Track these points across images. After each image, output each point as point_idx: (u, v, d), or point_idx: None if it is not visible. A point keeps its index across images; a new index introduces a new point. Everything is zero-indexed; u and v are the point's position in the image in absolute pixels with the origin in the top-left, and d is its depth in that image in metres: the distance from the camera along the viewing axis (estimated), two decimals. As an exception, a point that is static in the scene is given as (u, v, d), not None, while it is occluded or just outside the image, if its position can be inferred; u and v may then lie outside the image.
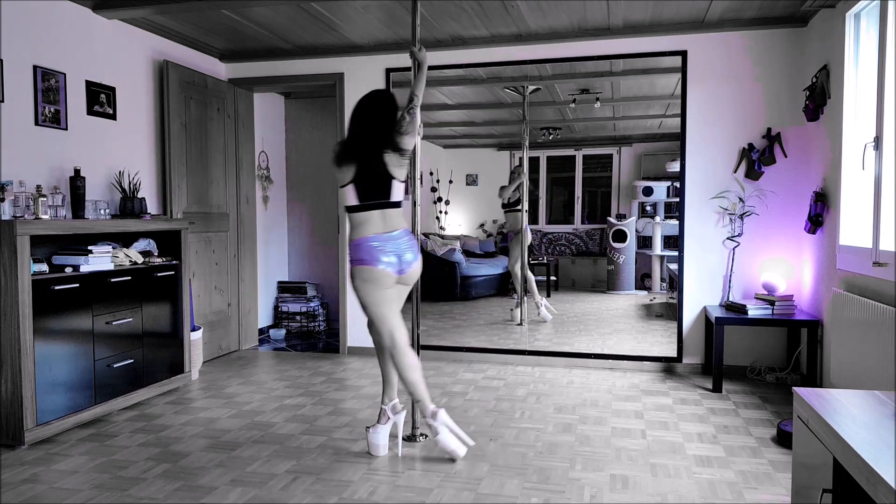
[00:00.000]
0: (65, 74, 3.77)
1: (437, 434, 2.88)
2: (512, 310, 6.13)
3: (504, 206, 6.49)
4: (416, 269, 2.98)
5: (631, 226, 7.03)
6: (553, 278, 7.31)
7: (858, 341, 3.05)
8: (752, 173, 4.30)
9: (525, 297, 6.08)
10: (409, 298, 3.28)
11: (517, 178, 6.39)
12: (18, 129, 3.50)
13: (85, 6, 3.92)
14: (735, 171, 4.37)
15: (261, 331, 5.90)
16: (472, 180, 7.90)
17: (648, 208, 7.04)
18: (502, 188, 6.49)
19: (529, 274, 6.16)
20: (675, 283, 4.74)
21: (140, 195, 4.18)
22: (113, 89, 4.15)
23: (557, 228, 7.82)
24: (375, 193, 2.89)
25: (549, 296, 6.99)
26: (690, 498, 2.54)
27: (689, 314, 4.52)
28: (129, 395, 3.69)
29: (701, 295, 4.48)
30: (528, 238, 6.34)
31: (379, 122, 2.91)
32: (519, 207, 6.34)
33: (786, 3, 3.91)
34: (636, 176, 7.08)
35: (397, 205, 2.95)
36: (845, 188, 3.50)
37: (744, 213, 4.31)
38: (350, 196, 2.90)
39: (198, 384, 4.27)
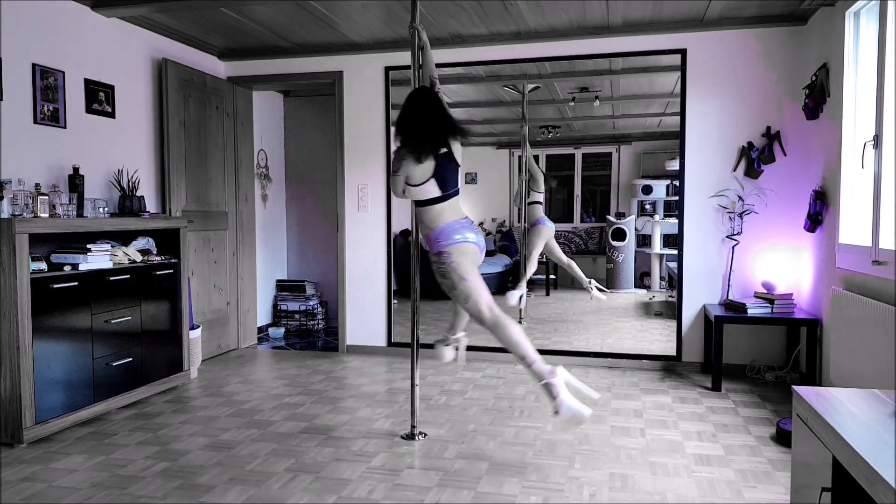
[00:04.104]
0: (63, 72, 3.76)
1: (556, 397, 2.67)
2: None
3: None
4: (484, 250, 3.07)
5: (630, 224, 7.02)
6: (552, 276, 7.30)
7: (858, 340, 3.05)
8: (752, 172, 4.30)
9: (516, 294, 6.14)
10: (407, 295, 3.30)
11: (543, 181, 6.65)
12: (17, 128, 3.50)
13: (84, 4, 3.91)
14: (734, 170, 4.36)
15: (260, 329, 5.90)
16: (471, 178, 7.87)
17: (648, 207, 7.03)
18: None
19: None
20: (674, 281, 4.74)
21: (139, 193, 4.17)
22: (112, 87, 4.14)
23: (557, 227, 7.81)
24: (453, 183, 2.98)
25: (548, 294, 6.99)
26: (690, 497, 2.54)
27: (689, 313, 4.52)
28: (128, 393, 3.69)
29: (700, 293, 4.48)
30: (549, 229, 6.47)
31: (441, 114, 2.98)
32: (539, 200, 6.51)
33: (785, 1, 3.90)
34: (635, 174, 7.06)
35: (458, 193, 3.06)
36: (845, 187, 3.50)
37: (743, 212, 4.31)
38: (431, 189, 2.91)
39: (197, 383, 4.26)
